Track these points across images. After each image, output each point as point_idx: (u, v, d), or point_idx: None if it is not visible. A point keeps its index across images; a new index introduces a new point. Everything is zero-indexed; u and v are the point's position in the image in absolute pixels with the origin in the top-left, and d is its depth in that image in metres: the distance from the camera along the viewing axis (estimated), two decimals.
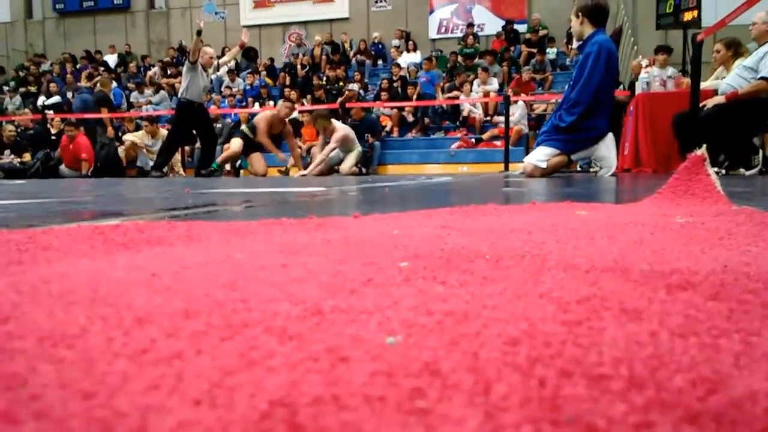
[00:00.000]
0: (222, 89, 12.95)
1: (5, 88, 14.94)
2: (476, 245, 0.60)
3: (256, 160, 8.68)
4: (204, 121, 8.09)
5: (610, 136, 4.37)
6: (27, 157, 9.78)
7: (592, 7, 4.21)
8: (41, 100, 12.97)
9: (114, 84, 13.91)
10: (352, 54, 14.01)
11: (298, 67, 13.36)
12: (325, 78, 12.77)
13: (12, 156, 9.79)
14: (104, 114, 9.76)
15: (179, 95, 7.93)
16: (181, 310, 0.33)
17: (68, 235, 0.77)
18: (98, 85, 10.64)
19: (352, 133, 8.70)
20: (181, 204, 1.93)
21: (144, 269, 0.47)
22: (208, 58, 7.91)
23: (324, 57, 13.69)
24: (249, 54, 14.23)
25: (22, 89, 14.53)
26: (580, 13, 4.21)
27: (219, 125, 10.94)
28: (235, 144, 8.70)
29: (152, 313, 0.33)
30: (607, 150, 4.31)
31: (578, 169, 5.75)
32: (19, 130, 10.61)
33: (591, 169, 5.20)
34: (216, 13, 15.73)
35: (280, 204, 1.87)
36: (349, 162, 8.71)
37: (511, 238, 0.69)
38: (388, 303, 0.33)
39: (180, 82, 8.25)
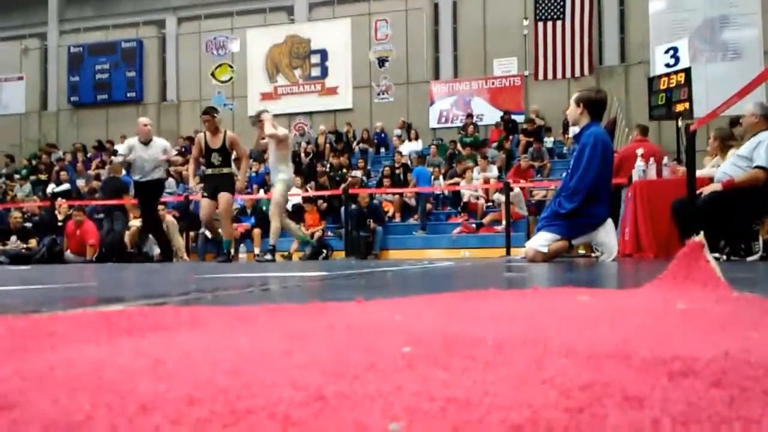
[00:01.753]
0: None
1: (16, 176, 15.28)
2: (478, 331, 0.61)
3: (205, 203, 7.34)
4: (146, 197, 7.72)
5: (610, 221, 4.43)
6: (33, 243, 9.85)
7: (593, 100, 4.40)
8: (51, 188, 13.22)
9: (123, 171, 14.23)
10: (355, 142, 14.41)
11: (302, 155, 13.71)
12: (329, 165, 13.07)
13: (18, 242, 9.87)
14: (127, 200, 9.87)
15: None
16: (185, 396, 0.34)
17: (73, 321, 0.78)
18: (110, 171, 10.85)
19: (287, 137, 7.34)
20: (184, 289, 1.93)
21: (148, 355, 0.48)
22: (142, 126, 7.66)
23: (328, 145, 14.08)
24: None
25: (32, 177, 14.85)
26: (581, 103, 4.38)
27: None
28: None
29: (156, 399, 0.33)
30: (607, 235, 4.35)
31: (579, 254, 5.77)
32: (26, 216, 10.75)
33: (592, 254, 5.22)
34: (225, 105, 16.37)
35: (283, 289, 1.87)
36: (277, 190, 7.11)
37: (513, 324, 0.69)
38: (391, 388, 0.33)
39: (186, 170, 8.43)
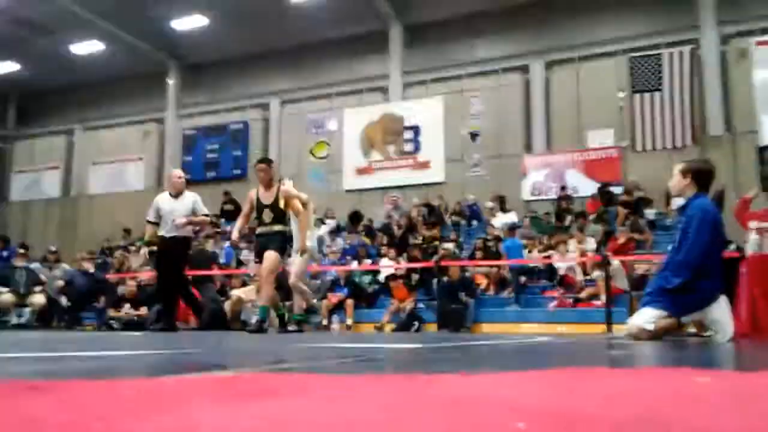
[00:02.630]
0: (323, 248, 13.60)
1: (131, 248, 16.47)
2: (594, 410, 0.59)
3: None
4: (172, 256, 7.12)
5: (724, 298, 4.11)
6: (143, 310, 10.47)
7: (701, 171, 4.19)
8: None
9: (227, 243, 14.99)
10: (447, 215, 14.47)
11: (395, 227, 13.91)
12: (421, 238, 13.15)
13: (130, 309, 10.52)
14: (215, 271, 10.42)
15: None
16: None
17: (193, 385, 0.82)
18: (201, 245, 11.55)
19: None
20: (280, 358, 1.98)
21: (265, 418, 0.50)
22: (175, 179, 7.34)
23: (420, 218, 14.23)
24: (354, 216, 15.04)
25: (147, 249, 15.93)
26: (688, 173, 4.17)
27: (318, 281, 11.34)
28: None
29: None
30: (721, 313, 4.04)
31: (689, 333, 5.37)
32: (140, 285, 11.49)
33: (704, 334, 4.85)
34: (322, 180, 17.09)
35: (379, 360, 1.87)
36: (297, 262, 6.81)
37: (629, 403, 0.66)
38: None
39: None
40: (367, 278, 11.75)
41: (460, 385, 0.78)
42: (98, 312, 11.00)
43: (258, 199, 6.57)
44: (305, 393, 0.74)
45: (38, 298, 11.10)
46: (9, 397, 0.68)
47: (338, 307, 10.83)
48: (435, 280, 10.30)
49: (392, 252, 11.97)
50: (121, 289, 11.61)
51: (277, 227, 6.44)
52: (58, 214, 20.34)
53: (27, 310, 11.01)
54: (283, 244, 6.47)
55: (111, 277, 12.71)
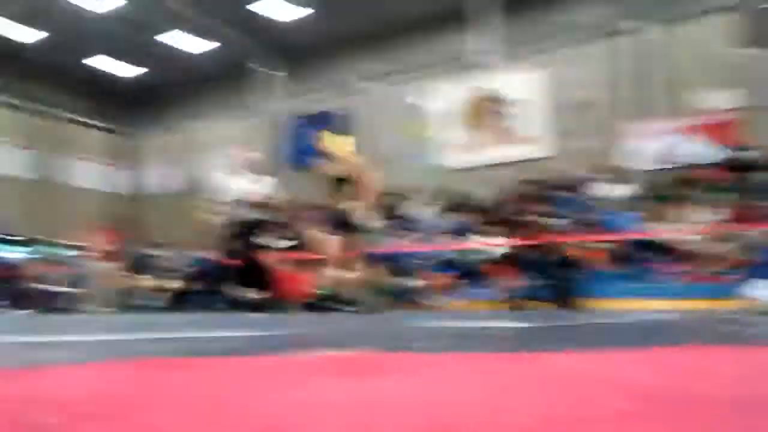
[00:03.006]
0: (430, 228, 13.66)
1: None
2: (714, 390, 0.58)
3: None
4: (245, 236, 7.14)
5: None
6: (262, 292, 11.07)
7: None
8: (283, 243, 14.80)
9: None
10: (556, 190, 14.00)
11: (501, 205, 13.67)
12: (528, 214, 12.83)
13: (251, 291, 11.17)
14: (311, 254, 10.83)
15: None
16: (410, 425, 0.39)
17: (307, 362, 0.90)
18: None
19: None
20: (391, 337, 2.05)
21: (373, 392, 0.55)
22: (247, 161, 7.29)
23: (526, 194, 13.86)
24: (457, 195, 14.96)
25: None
26: None
27: (421, 260, 11.42)
28: None
29: (375, 425, 0.40)
30: None
31: None
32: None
33: None
34: (424, 160, 17.10)
35: (489, 339, 1.89)
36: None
37: (750, 383, 0.64)
38: None
39: None
40: (473, 257, 11.68)
41: (565, 363, 0.80)
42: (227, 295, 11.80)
43: (330, 174, 6.42)
44: (414, 372, 0.79)
45: (174, 283, 12.07)
46: (158, 372, 0.78)
47: (446, 287, 10.87)
48: (545, 257, 10.05)
49: (499, 230, 11.80)
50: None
51: (346, 201, 6.20)
52: (185, 204, 21.92)
53: (164, 294, 12.03)
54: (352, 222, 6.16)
55: (237, 261, 13.54)
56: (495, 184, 14.97)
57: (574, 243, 10.32)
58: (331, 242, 6.10)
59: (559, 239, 10.09)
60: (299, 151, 19.45)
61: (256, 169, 7.48)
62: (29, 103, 19.91)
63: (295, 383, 0.71)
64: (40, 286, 15.02)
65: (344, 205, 6.19)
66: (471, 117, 16.64)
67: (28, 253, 18.92)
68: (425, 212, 14.50)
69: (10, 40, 18.22)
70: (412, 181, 16.29)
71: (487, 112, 16.46)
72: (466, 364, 0.85)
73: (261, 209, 7.49)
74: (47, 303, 13.86)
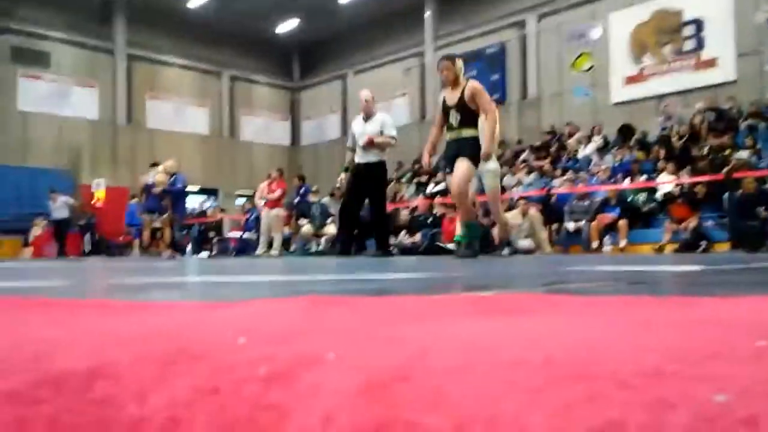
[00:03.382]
0: (590, 167, 12.99)
1: (402, 179, 17.82)
2: None
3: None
4: (364, 181, 6.83)
5: None
6: (417, 237, 11.39)
7: None
8: (430, 188, 15.06)
9: None
10: (741, 119, 12.52)
11: (674, 138, 12.55)
12: (706, 148, 11.67)
13: (407, 236, 11.54)
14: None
15: None
16: (542, 361, 0.41)
17: (455, 302, 0.94)
18: None
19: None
20: (547, 280, 2.04)
21: (513, 330, 0.57)
22: (363, 102, 7.04)
23: (705, 125, 12.57)
24: (624, 130, 13.97)
25: (415, 180, 17.12)
26: None
27: (587, 202, 10.94)
28: None
29: (521, 361, 0.42)
30: None
31: None
32: (414, 214, 12.48)
33: None
34: (586, 94, 16.12)
35: (652, 283, 1.81)
36: (489, 178, 5.81)
37: None
38: (728, 373, 0.35)
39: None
40: (641, 196, 10.95)
41: (718, 308, 0.75)
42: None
43: (444, 102, 5.79)
44: (553, 310, 0.80)
45: (330, 229, 12.83)
46: (314, 306, 0.87)
47: (610, 229, 10.36)
48: (726, 195, 9.15)
49: (671, 166, 10.89)
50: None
51: (468, 132, 5.58)
52: (339, 153, 22.95)
53: (322, 239, 12.84)
54: (476, 151, 5.48)
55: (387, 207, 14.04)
56: (668, 116, 13.74)
57: (764, 178, 9.24)
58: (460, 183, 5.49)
59: (746, 173, 9.08)
60: None
61: (365, 109, 7.28)
62: (200, 64, 21.87)
63: (438, 320, 0.75)
64: (220, 233, 16.75)
65: (459, 133, 5.65)
66: (641, 44, 15.27)
67: (210, 202, 21.09)
68: (593, 150, 13.76)
69: (177, 4, 19.89)
70: (573, 118, 15.49)
71: (659, 35, 14.98)
72: (609, 306, 0.84)
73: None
74: (226, 247, 15.45)
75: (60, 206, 14.86)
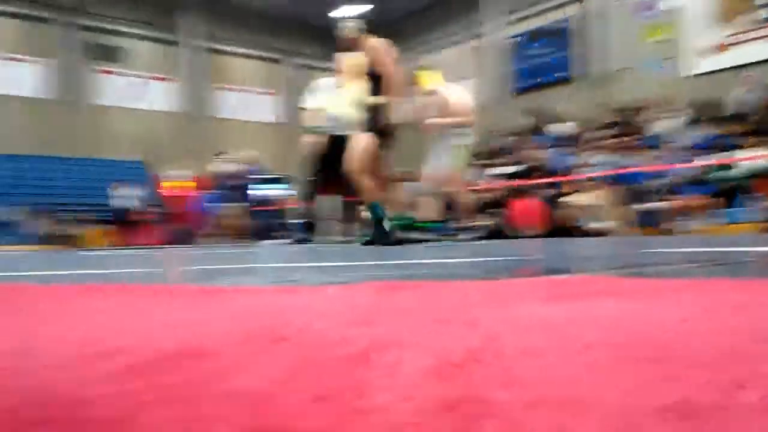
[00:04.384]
0: (667, 143, 12.43)
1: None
2: None
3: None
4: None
5: None
6: (486, 220, 11.28)
7: None
8: (498, 170, 14.84)
9: (555, 150, 14.94)
10: None
11: (760, 111, 11.80)
12: None
13: (475, 219, 11.45)
14: (536, 179, 10.74)
15: None
16: (617, 344, 0.42)
17: (526, 286, 0.94)
18: (525, 156, 11.96)
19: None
20: (624, 262, 1.99)
21: (586, 313, 0.58)
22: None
23: None
24: (702, 104, 13.27)
25: (482, 162, 16.89)
26: None
27: (664, 181, 10.51)
28: None
29: (595, 342, 0.43)
30: None
31: None
32: (481, 198, 12.36)
33: None
34: (659, 68, 15.40)
35: (733, 264, 1.74)
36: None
37: None
38: None
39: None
40: (723, 173, 10.38)
41: None
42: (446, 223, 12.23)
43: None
44: (630, 295, 0.79)
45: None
46: (384, 291, 0.90)
47: (690, 208, 9.90)
48: None
49: (756, 140, 10.27)
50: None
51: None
52: (404, 136, 22.90)
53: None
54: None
55: None
56: (750, 87, 12.92)
57: None
58: None
59: None
60: (524, 71, 18.87)
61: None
62: (265, 53, 22.32)
63: (510, 303, 0.76)
64: (290, 219, 17.14)
65: None
66: (722, 10, 14.40)
67: (281, 189, 21.62)
68: (669, 126, 13.18)
69: None
70: (651, 92, 14.83)
71: (744, 1, 14.08)
72: (695, 289, 0.82)
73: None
74: (295, 234, 15.76)
75: (122, 197, 15.40)
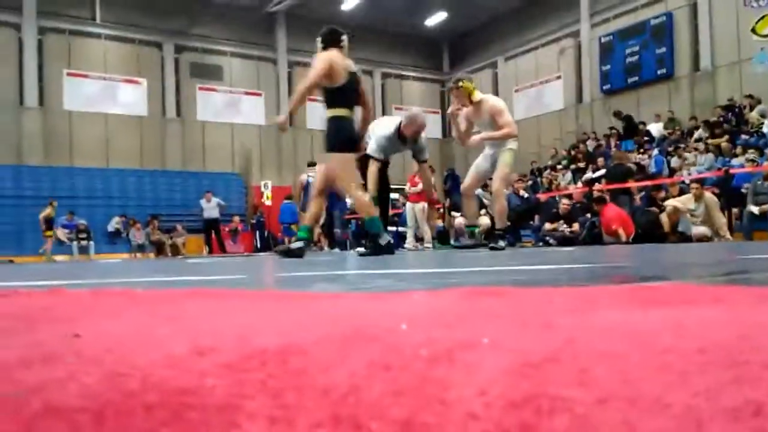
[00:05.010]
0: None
1: (558, 166, 17.17)
2: None
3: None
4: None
5: None
6: (575, 226, 10.94)
7: None
8: (588, 175, 14.36)
9: (656, 151, 14.24)
10: None
11: None
12: None
13: (564, 226, 11.12)
14: (631, 183, 10.34)
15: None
16: (695, 349, 0.42)
17: (612, 293, 0.93)
18: (617, 159, 11.57)
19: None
20: (724, 269, 1.89)
21: (670, 319, 0.58)
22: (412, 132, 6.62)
23: None
24: None
25: (572, 166, 16.42)
26: None
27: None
28: None
29: (671, 348, 0.43)
30: None
31: None
32: (572, 203, 12.01)
33: None
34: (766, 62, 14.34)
35: None
36: (502, 169, 6.25)
37: None
38: None
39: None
40: None
41: None
42: (534, 229, 11.94)
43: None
44: (719, 303, 0.77)
45: (484, 220, 12.71)
46: (469, 297, 0.92)
47: None
48: None
49: None
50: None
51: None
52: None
53: (476, 230, 12.75)
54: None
55: (542, 196, 13.59)
56: None
57: None
58: None
59: None
60: (614, 70, 18.16)
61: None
62: (357, 64, 22.82)
63: (592, 309, 0.76)
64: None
65: None
66: None
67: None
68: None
69: (332, 8, 20.82)
70: (754, 89, 13.88)
71: None
72: None
73: None
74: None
75: (212, 206, 16.01)
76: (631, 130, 16.38)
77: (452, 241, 12.63)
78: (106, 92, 18.94)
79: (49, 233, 15.47)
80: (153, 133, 19.68)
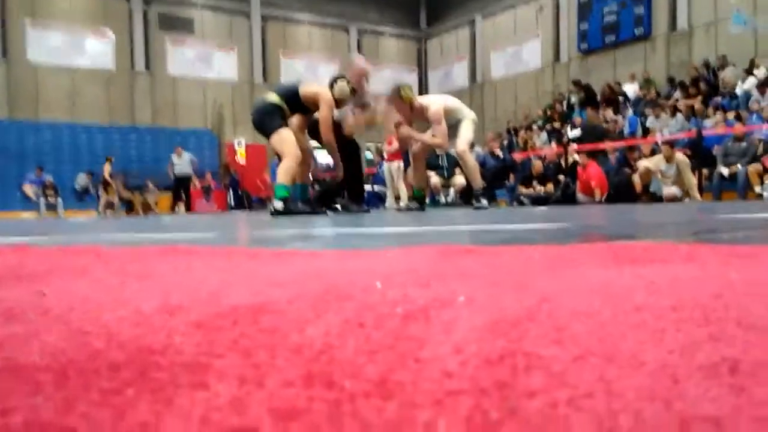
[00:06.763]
0: (749, 104, 11.72)
1: (533, 126, 17.17)
2: None
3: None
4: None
5: None
6: (550, 186, 11.03)
7: None
8: (568, 133, 14.39)
9: (630, 112, 14.32)
10: None
11: None
12: None
13: (538, 186, 11.21)
14: (606, 144, 10.40)
15: None
16: (669, 306, 0.42)
17: (587, 251, 0.94)
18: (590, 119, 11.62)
19: (452, 100, 6.51)
20: (694, 228, 1.93)
21: (644, 278, 0.58)
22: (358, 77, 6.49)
23: None
24: None
25: (548, 126, 16.42)
26: None
27: (744, 144, 9.96)
28: None
29: (645, 305, 0.43)
30: None
31: None
32: (545, 163, 12.07)
33: None
34: (745, 23, 14.38)
35: None
36: (465, 133, 6.33)
37: None
38: None
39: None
40: None
41: None
42: (509, 189, 12.02)
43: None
44: (692, 260, 0.78)
45: (459, 180, 12.73)
46: (445, 255, 0.92)
47: None
48: None
49: None
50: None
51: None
52: (467, 101, 22.54)
53: (451, 190, 12.78)
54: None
55: (517, 156, 13.63)
56: None
57: None
58: None
59: None
60: (592, 29, 18.06)
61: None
62: (329, 19, 22.30)
63: (568, 268, 0.76)
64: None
65: None
66: None
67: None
68: (749, 85, 12.41)
69: None
70: (730, 50, 13.96)
71: None
72: (755, 253, 0.80)
73: None
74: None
75: (185, 162, 15.43)
76: (590, 99, 16.35)
77: (428, 201, 12.62)
78: (71, 44, 18.26)
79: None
80: (121, 88, 19.11)
